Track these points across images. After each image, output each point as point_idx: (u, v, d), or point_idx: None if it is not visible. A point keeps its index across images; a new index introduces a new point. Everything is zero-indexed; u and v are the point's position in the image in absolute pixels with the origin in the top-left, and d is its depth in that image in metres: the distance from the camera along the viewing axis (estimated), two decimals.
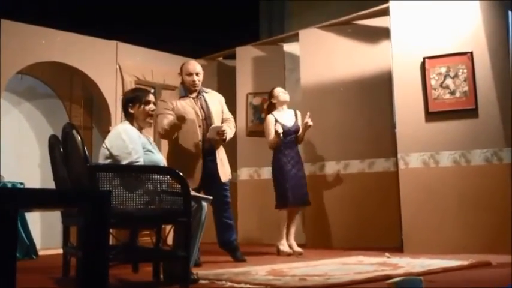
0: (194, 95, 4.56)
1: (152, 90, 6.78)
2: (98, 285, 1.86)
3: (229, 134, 4.54)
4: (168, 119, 4.34)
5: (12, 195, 1.81)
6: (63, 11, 6.54)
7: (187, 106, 4.49)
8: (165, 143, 5.15)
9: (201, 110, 4.53)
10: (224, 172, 4.59)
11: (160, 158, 3.52)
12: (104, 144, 3.40)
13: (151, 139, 3.67)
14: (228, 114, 4.73)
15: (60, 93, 6.75)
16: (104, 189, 2.97)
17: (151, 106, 3.55)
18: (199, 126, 4.47)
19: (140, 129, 3.52)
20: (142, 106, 3.50)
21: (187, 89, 4.56)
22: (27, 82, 6.49)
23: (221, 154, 4.61)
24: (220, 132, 4.41)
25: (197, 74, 4.54)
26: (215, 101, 4.64)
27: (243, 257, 4.68)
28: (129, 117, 3.52)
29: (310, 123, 5.14)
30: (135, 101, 3.51)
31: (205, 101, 4.58)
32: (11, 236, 1.74)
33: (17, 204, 1.82)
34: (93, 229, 1.89)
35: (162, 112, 4.39)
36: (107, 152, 3.34)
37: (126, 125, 3.49)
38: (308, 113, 5.16)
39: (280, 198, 5.13)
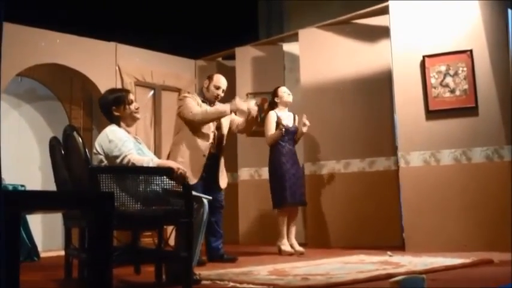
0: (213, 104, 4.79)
1: (151, 92, 6.87)
2: (102, 287, 1.86)
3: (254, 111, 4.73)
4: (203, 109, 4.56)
5: (14, 198, 1.81)
6: (62, 13, 6.53)
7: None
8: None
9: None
10: (223, 179, 4.81)
11: (150, 159, 3.48)
12: (94, 150, 3.39)
13: (140, 139, 3.68)
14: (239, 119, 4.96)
15: (60, 95, 6.74)
16: (106, 191, 2.96)
17: (135, 104, 3.56)
18: (212, 131, 4.68)
19: (126, 128, 3.52)
20: (127, 106, 3.50)
21: (207, 98, 4.79)
22: (27, 84, 6.48)
23: (222, 163, 4.83)
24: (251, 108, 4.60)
25: (223, 91, 4.83)
26: None
27: (231, 257, 4.71)
28: (115, 119, 3.49)
29: (308, 123, 5.17)
30: (119, 103, 3.49)
31: None
32: (13, 238, 1.74)
33: (19, 207, 1.82)
34: (97, 231, 1.89)
35: (190, 103, 4.59)
36: (100, 157, 3.33)
37: (113, 126, 3.46)
38: (304, 115, 5.19)
39: (278, 198, 5.12)
